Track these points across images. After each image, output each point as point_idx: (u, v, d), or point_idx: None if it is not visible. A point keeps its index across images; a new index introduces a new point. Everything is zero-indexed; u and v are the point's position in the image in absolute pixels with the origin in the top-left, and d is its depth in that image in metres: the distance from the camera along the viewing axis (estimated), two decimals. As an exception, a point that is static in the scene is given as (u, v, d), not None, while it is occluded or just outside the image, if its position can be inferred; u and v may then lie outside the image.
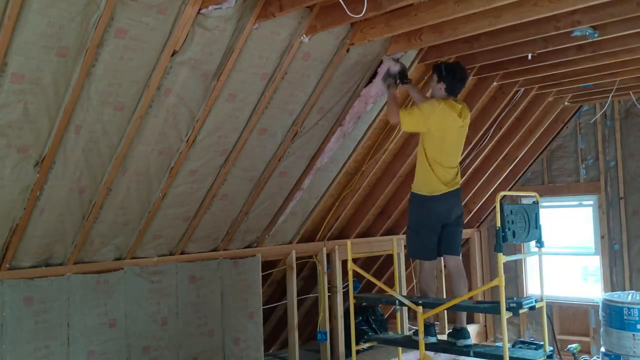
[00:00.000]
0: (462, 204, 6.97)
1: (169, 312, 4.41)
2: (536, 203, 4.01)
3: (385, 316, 6.78)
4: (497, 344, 6.87)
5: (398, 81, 4.30)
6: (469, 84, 5.40)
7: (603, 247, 6.70)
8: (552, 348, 3.84)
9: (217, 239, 4.76)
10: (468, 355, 3.99)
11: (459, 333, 4.17)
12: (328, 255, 5.73)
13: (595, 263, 6.97)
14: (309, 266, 6.08)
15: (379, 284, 4.50)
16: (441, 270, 6.84)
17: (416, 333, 4.15)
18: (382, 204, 6.25)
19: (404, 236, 6.51)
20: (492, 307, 3.77)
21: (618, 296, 5.69)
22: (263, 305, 5.15)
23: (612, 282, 6.62)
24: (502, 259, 3.57)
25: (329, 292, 5.72)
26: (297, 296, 5.48)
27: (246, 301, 4.94)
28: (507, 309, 3.58)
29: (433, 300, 4.18)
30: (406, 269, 6.50)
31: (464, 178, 6.58)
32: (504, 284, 3.58)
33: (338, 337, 5.71)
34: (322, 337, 5.59)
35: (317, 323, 5.66)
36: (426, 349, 4.06)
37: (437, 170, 4.11)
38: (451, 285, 4.36)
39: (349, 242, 4.56)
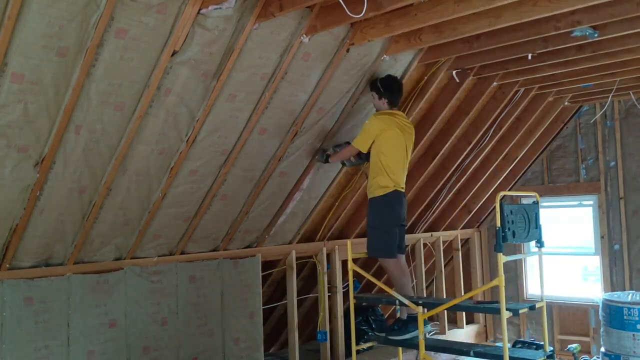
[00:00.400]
0: (462, 204, 7.01)
1: (169, 312, 4.41)
2: (536, 203, 4.01)
3: (385, 316, 6.77)
4: (497, 344, 6.87)
5: (327, 152, 4.70)
6: (469, 84, 5.41)
7: (603, 247, 6.71)
8: (552, 348, 3.83)
9: (217, 239, 4.76)
10: (469, 355, 3.98)
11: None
12: (328, 255, 5.73)
13: (595, 263, 6.97)
14: (309, 266, 6.08)
15: (379, 284, 4.50)
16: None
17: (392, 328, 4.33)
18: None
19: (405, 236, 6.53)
20: (492, 308, 3.76)
21: (618, 296, 5.69)
22: (263, 305, 5.15)
23: (612, 282, 6.62)
24: (502, 259, 3.58)
25: (329, 292, 5.72)
26: (297, 296, 5.48)
27: (246, 301, 4.94)
28: (506, 309, 3.58)
29: (433, 300, 4.18)
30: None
31: (464, 178, 6.59)
32: (504, 284, 3.58)
33: (338, 337, 5.71)
34: (322, 337, 5.59)
35: (317, 323, 5.66)
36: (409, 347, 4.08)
37: (391, 173, 4.38)
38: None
39: (349, 242, 4.57)
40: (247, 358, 4.88)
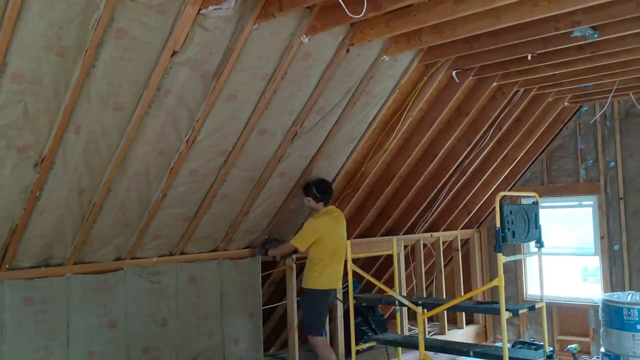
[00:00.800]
0: (462, 204, 7.02)
1: (168, 312, 4.41)
2: (536, 203, 4.01)
3: (385, 317, 6.77)
4: (496, 344, 6.87)
5: (266, 246, 5.08)
6: (469, 84, 5.41)
7: (603, 247, 6.70)
8: (551, 348, 3.82)
9: (217, 239, 4.76)
10: (469, 355, 3.97)
11: None
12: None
13: (595, 263, 6.97)
14: (309, 266, 6.07)
15: (379, 284, 4.51)
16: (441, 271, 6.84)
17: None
18: (382, 204, 6.25)
19: (405, 237, 6.54)
20: (492, 308, 3.77)
21: (618, 296, 5.69)
22: (263, 306, 5.15)
23: (612, 282, 6.62)
24: (502, 259, 3.58)
25: (328, 293, 5.71)
26: (297, 296, 5.48)
27: (246, 301, 4.94)
28: (506, 310, 3.58)
29: (433, 300, 4.19)
30: (406, 270, 6.50)
31: (464, 177, 6.60)
32: (503, 284, 3.58)
33: (337, 338, 5.70)
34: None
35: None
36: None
37: (331, 268, 4.79)
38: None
39: (348, 242, 4.58)
40: (246, 358, 4.89)
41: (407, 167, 5.94)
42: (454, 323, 7.25)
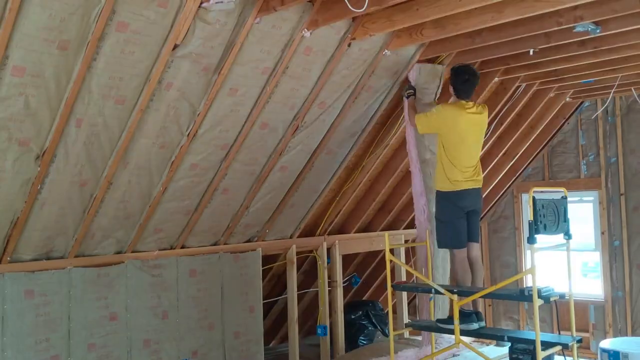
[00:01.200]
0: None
1: (169, 305, 4.43)
2: (565, 198, 4.13)
3: (385, 311, 6.79)
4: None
5: (411, 92, 4.67)
6: (470, 80, 5.38)
7: (603, 243, 6.71)
8: (579, 337, 3.99)
9: (217, 233, 4.76)
10: (503, 340, 4.17)
11: (471, 317, 4.25)
12: (328, 249, 5.74)
13: (595, 259, 6.97)
14: (310, 260, 6.09)
15: (417, 274, 4.51)
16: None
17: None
18: (383, 199, 6.25)
19: (405, 231, 6.55)
20: (524, 296, 3.92)
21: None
22: (263, 300, 5.16)
23: (612, 278, 6.63)
24: (535, 250, 3.76)
25: (329, 287, 5.73)
26: (298, 290, 5.50)
27: (246, 295, 4.95)
28: (538, 297, 3.75)
29: (467, 288, 4.31)
30: (406, 262, 6.50)
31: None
32: (536, 273, 3.75)
33: (338, 332, 5.72)
34: (322, 331, 5.60)
35: (317, 317, 5.67)
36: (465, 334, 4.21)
37: (457, 169, 4.21)
38: (473, 274, 4.43)
39: (386, 234, 4.49)
40: (247, 352, 4.90)
41: (407, 163, 5.92)
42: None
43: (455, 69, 4.25)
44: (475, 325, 4.22)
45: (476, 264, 4.41)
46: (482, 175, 4.43)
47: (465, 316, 4.22)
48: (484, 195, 7.13)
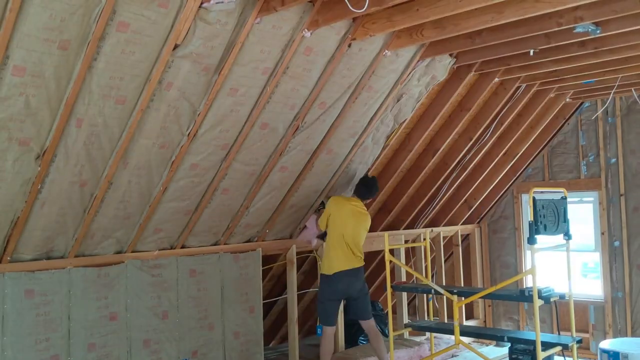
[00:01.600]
0: (463, 200, 7.01)
1: (169, 305, 4.43)
2: (564, 198, 4.16)
3: (385, 311, 6.79)
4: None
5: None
6: (470, 80, 5.40)
7: (603, 243, 6.71)
8: (579, 338, 4.04)
9: (217, 233, 4.77)
10: (503, 340, 4.25)
11: None
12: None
13: (595, 259, 6.97)
14: (310, 260, 6.09)
15: (417, 274, 4.61)
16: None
17: None
18: (383, 199, 6.25)
19: (405, 232, 6.55)
20: (524, 296, 3.99)
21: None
22: (263, 300, 5.16)
23: (612, 278, 6.63)
24: (535, 250, 3.81)
25: (329, 287, 5.72)
26: (298, 290, 5.49)
27: (246, 295, 4.95)
28: (538, 297, 3.81)
29: (467, 289, 4.39)
30: (406, 265, 6.51)
31: (465, 173, 6.59)
32: (537, 274, 3.80)
33: (338, 332, 5.72)
34: (321, 331, 5.58)
35: (317, 317, 5.66)
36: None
37: (337, 251, 4.87)
38: (372, 344, 5.08)
39: (386, 234, 4.76)
40: (246, 352, 4.90)
41: (408, 162, 5.94)
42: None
43: (366, 180, 5.16)
44: None
45: (371, 333, 5.04)
46: (363, 256, 5.02)
47: None
48: (484, 195, 7.15)
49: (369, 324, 5.04)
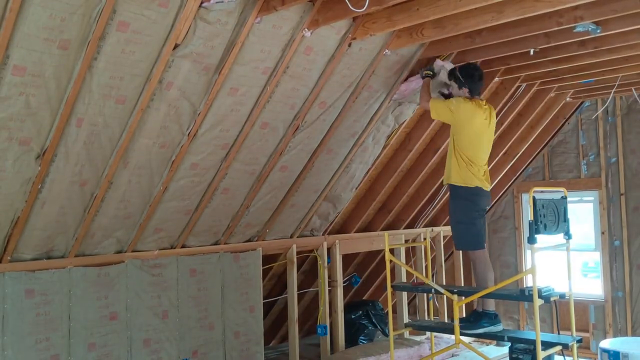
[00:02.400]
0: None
1: (169, 305, 4.43)
2: (564, 198, 4.15)
3: (385, 311, 6.79)
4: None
5: (428, 72, 4.55)
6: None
7: (603, 243, 6.71)
8: (579, 337, 4.00)
9: (218, 232, 4.77)
10: (503, 340, 4.17)
11: (496, 318, 4.25)
12: (328, 249, 5.74)
13: (595, 259, 6.97)
14: (310, 260, 6.09)
15: (417, 274, 4.53)
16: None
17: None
18: (383, 198, 6.25)
19: (406, 231, 6.55)
20: (524, 296, 3.95)
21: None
22: (263, 299, 5.17)
23: (612, 278, 6.63)
24: (535, 250, 3.79)
25: (329, 287, 5.73)
26: (298, 290, 5.49)
27: (247, 295, 4.95)
28: (538, 297, 3.78)
29: (467, 288, 4.31)
30: (407, 264, 6.51)
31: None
32: (537, 273, 3.77)
33: (338, 331, 5.73)
34: (322, 331, 5.60)
35: (317, 317, 5.67)
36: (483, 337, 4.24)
37: (474, 167, 4.21)
38: (476, 276, 4.43)
39: (386, 234, 4.54)
40: (247, 351, 4.90)
41: (408, 162, 5.94)
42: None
43: (466, 68, 4.28)
44: (500, 327, 4.21)
45: (486, 262, 4.37)
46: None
47: (490, 317, 4.20)
48: (484, 195, 7.15)
49: (486, 252, 4.35)
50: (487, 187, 4.29)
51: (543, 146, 7.07)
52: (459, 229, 4.30)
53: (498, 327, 4.19)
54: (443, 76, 4.55)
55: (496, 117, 5.97)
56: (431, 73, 4.54)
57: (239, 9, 3.38)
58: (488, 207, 4.36)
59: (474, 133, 4.20)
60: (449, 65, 4.57)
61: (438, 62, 4.59)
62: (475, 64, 4.39)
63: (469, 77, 4.24)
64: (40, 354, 3.72)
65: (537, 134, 6.73)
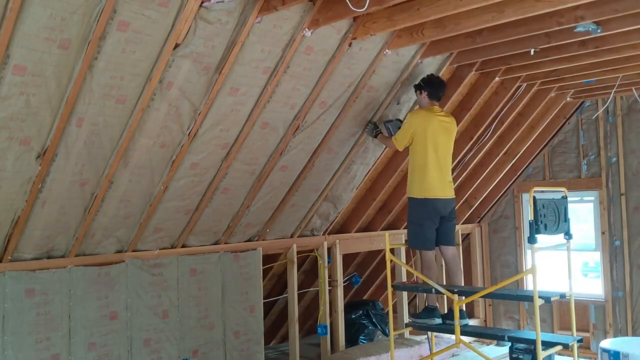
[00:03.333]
0: (463, 199, 7.00)
1: (170, 304, 4.43)
2: (565, 197, 4.17)
3: (386, 310, 6.79)
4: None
5: (377, 130, 4.92)
6: (471, 79, 5.39)
7: (604, 243, 6.71)
8: (580, 337, 4.03)
9: (218, 232, 4.77)
10: (504, 340, 4.22)
11: (434, 312, 4.46)
12: (329, 249, 5.74)
13: (595, 259, 6.97)
14: (310, 260, 6.09)
15: (417, 274, 4.56)
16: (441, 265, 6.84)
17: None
18: (383, 198, 6.25)
19: (405, 231, 6.53)
20: (525, 295, 4.04)
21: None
22: (264, 299, 5.16)
23: (613, 278, 6.63)
24: (535, 250, 3.81)
25: (329, 286, 5.73)
26: (298, 290, 5.50)
27: (247, 294, 4.95)
28: (539, 297, 3.79)
29: (468, 288, 4.37)
30: (406, 262, 6.50)
31: (465, 173, 6.59)
32: (537, 273, 3.78)
33: (338, 331, 5.72)
34: (322, 330, 5.60)
35: (318, 317, 5.67)
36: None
37: (428, 175, 4.45)
38: (449, 276, 4.72)
39: (386, 233, 4.62)
40: (247, 351, 4.90)
41: (408, 162, 5.92)
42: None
43: (428, 76, 4.63)
44: (437, 321, 4.39)
45: (453, 264, 4.65)
46: (454, 188, 4.67)
47: (428, 311, 4.42)
48: (484, 195, 7.15)
49: (453, 252, 4.65)
50: (447, 195, 4.51)
51: (543, 146, 7.07)
52: (410, 229, 4.65)
53: (433, 321, 4.40)
54: (384, 117, 4.98)
55: (496, 117, 6.03)
56: (378, 128, 4.90)
57: (240, 8, 3.38)
58: (448, 212, 4.55)
59: (427, 138, 4.44)
60: (385, 115, 5.00)
61: (370, 124, 4.94)
62: (436, 75, 4.73)
63: (428, 81, 4.58)
64: (41, 354, 3.72)
65: (537, 133, 6.72)
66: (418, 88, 4.62)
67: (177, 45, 3.33)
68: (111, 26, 3.01)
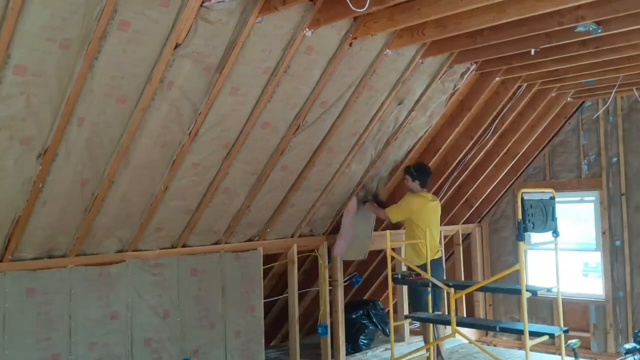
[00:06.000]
0: (464, 199, 7.02)
1: (170, 304, 4.43)
2: (553, 198, 4.34)
3: (386, 310, 6.79)
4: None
5: (368, 198, 5.55)
6: (471, 79, 5.40)
7: (604, 243, 6.71)
8: (566, 328, 4.28)
9: (218, 232, 4.77)
10: (495, 330, 4.70)
11: None
12: (329, 249, 5.74)
13: (596, 259, 6.97)
14: (310, 260, 6.09)
15: (417, 269, 4.80)
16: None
17: None
18: (384, 198, 6.24)
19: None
20: (514, 289, 4.32)
21: None
22: (264, 299, 5.16)
23: (613, 278, 6.63)
24: (523, 247, 4.08)
25: (329, 286, 5.73)
26: (298, 290, 5.49)
27: (247, 294, 4.95)
28: (526, 290, 4.04)
29: (462, 282, 4.98)
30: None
31: (465, 173, 6.60)
32: (524, 268, 4.07)
33: (339, 331, 5.72)
34: (322, 330, 5.60)
35: (318, 317, 5.67)
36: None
37: (424, 244, 5.09)
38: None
39: (387, 232, 4.88)
40: (247, 351, 4.90)
41: (407, 162, 5.93)
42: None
43: (419, 166, 5.35)
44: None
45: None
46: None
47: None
48: (485, 195, 7.16)
49: None
50: (435, 257, 5.21)
51: (544, 146, 7.07)
52: (411, 294, 5.53)
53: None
54: (368, 187, 5.58)
55: (497, 117, 6.03)
56: (368, 196, 5.50)
57: (240, 8, 3.38)
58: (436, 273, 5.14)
59: (424, 223, 5.13)
60: (368, 184, 5.58)
61: (356, 197, 5.48)
62: (425, 164, 5.49)
63: (421, 173, 5.28)
64: (41, 353, 3.73)
65: (537, 133, 6.73)
66: (410, 175, 5.27)
67: (177, 45, 3.33)
68: (112, 26, 3.01)
